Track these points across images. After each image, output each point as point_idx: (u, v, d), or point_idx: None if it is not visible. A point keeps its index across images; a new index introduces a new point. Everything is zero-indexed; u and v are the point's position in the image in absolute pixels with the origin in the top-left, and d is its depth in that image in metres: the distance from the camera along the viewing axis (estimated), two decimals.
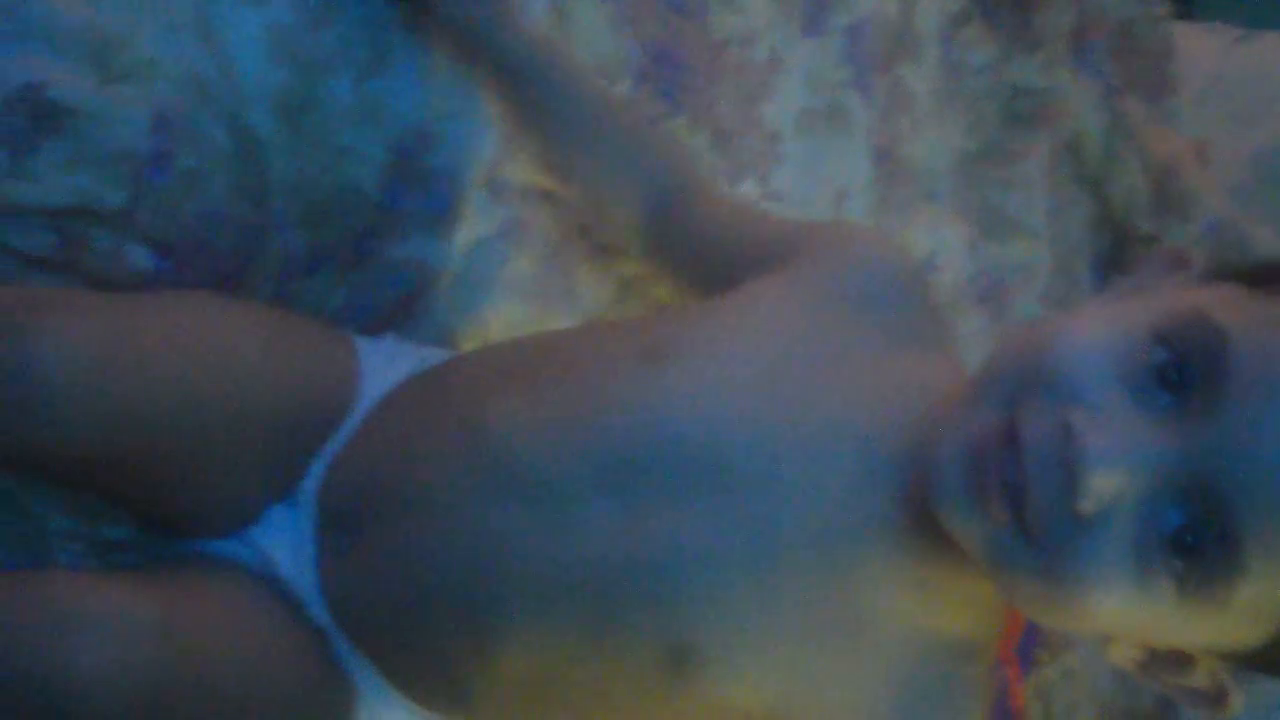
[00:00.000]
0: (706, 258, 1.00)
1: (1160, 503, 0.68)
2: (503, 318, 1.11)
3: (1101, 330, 0.72)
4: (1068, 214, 1.72)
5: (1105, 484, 0.67)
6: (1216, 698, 0.73)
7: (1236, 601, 0.67)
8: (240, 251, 0.98)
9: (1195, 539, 0.67)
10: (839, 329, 0.87)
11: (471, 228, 1.10)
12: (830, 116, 1.39)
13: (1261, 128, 1.97)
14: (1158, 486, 0.68)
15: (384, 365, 1.01)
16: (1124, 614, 0.70)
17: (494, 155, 1.09)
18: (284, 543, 0.95)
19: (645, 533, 0.80)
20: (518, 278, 1.12)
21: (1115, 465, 0.67)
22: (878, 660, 0.80)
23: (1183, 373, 0.69)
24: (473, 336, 1.10)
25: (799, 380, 0.84)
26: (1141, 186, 1.79)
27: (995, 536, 0.71)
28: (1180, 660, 0.74)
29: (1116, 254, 1.80)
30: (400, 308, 1.08)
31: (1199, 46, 1.89)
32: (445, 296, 1.09)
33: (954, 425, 0.75)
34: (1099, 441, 0.67)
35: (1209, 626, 0.70)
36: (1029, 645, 1.38)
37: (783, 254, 0.93)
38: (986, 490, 0.71)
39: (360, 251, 1.05)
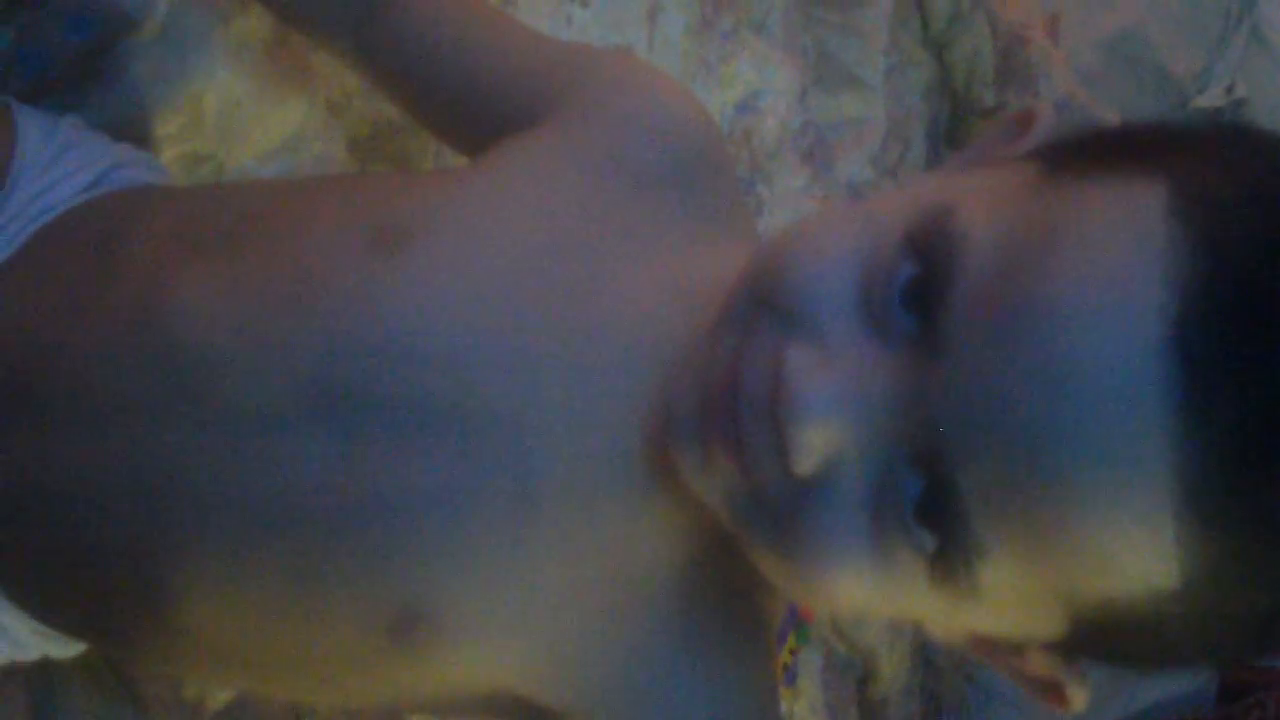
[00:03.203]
0: (438, 81, 0.77)
1: (898, 459, 0.53)
2: (216, 91, 0.89)
3: (849, 235, 0.57)
4: (907, 74, 1.57)
5: (818, 437, 0.53)
6: (1052, 689, 0.58)
7: (993, 588, 0.53)
8: None
9: (943, 507, 0.52)
10: (620, 210, 0.67)
11: None
12: None
13: (1115, 11, 1.83)
14: (892, 438, 0.53)
15: (49, 156, 0.79)
16: (875, 595, 0.56)
17: None
18: None
19: (369, 472, 0.62)
20: (239, 41, 0.89)
21: (829, 414, 0.53)
22: (647, 620, 0.65)
23: (931, 292, 0.53)
24: (177, 114, 0.88)
25: (569, 281, 0.65)
26: (987, 54, 1.64)
27: (728, 495, 0.58)
28: (1009, 642, 0.58)
29: (954, 125, 1.66)
30: (83, 63, 0.84)
31: None
32: (143, 55, 0.86)
33: (688, 358, 0.60)
34: (812, 385, 0.53)
35: (988, 613, 0.55)
36: None
37: (549, 94, 0.72)
38: (712, 441, 0.57)
39: None
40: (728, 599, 0.65)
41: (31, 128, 0.79)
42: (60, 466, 0.68)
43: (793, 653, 1.28)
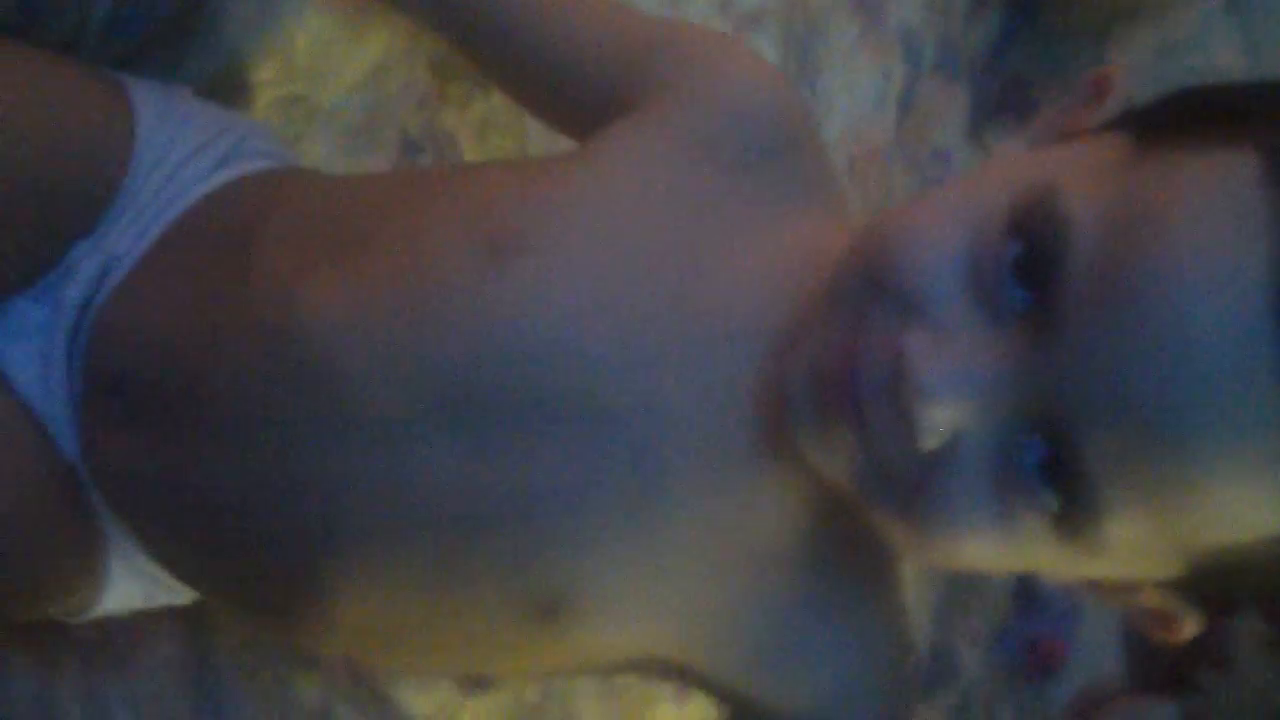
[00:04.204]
0: (535, 59, 0.79)
1: (1018, 429, 0.57)
2: (305, 33, 0.92)
3: (954, 217, 0.60)
4: None
5: (941, 415, 0.57)
6: (1166, 620, 0.63)
7: (1116, 541, 0.57)
8: None
9: (1066, 470, 0.56)
10: (717, 196, 0.70)
11: None
12: None
13: None
14: (1011, 411, 0.57)
15: (168, 135, 0.82)
16: (999, 555, 0.60)
17: None
18: (27, 352, 0.78)
19: (500, 474, 0.66)
20: None
21: (950, 395, 0.57)
22: (777, 585, 0.69)
23: (1039, 269, 0.56)
24: (270, 60, 0.91)
25: (676, 272, 0.68)
26: None
27: (849, 468, 0.61)
28: (1126, 584, 0.63)
29: None
30: (179, 21, 0.87)
31: None
32: (235, 6, 0.88)
33: (800, 339, 0.64)
34: (932, 367, 0.57)
35: (1109, 563, 0.59)
36: None
37: (644, 76, 0.74)
38: (832, 419, 0.60)
39: None
40: (851, 554, 0.70)
41: (147, 106, 0.81)
42: (201, 467, 0.72)
43: None
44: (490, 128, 1.04)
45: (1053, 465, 0.57)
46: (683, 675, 0.72)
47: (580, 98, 0.77)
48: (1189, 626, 0.62)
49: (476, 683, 0.90)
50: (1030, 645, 1.43)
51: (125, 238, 0.79)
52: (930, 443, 0.57)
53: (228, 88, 0.90)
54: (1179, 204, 0.54)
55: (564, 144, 0.81)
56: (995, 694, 1.34)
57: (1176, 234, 0.53)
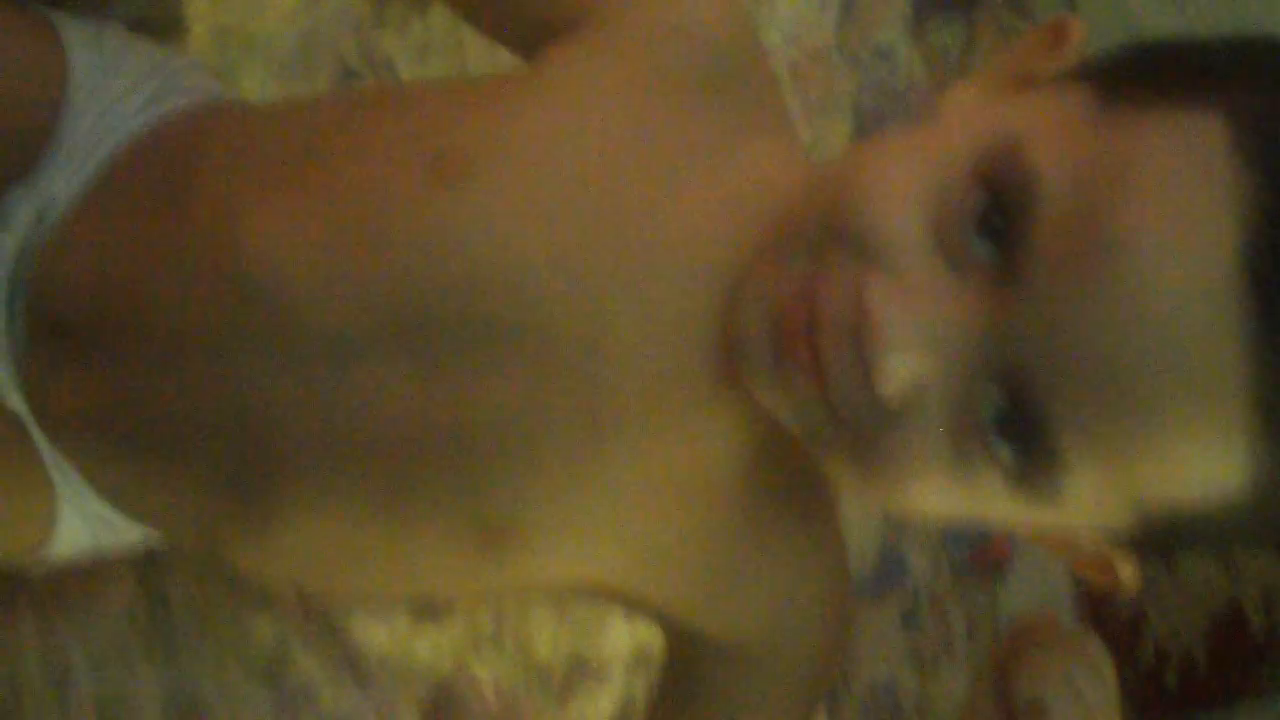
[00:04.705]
0: None
1: (977, 382, 0.57)
2: None
3: (917, 165, 0.59)
4: None
5: (904, 365, 0.56)
6: (1104, 566, 0.63)
7: (1070, 493, 0.57)
8: None
9: (1025, 423, 0.56)
10: (667, 123, 0.68)
11: None
12: None
13: None
14: (972, 364, 0.57)
15: (101, 72, 0.80)
16: (951, 503, 0.60)
17: None
18: None
19: (446, 398, 0.65)
20: None
21: (914, 345, 0.56)
22: (719, 513, 0.70)
23: (1004, 222, 0.56)
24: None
25: (627, 200, 0.66)
26: None
27: (803, 412, 0.60)
28: (1073, 532, 0.64)
29: None
30: None
31: None
32: None
33: (755, 281, 0.62)
34: (896, 316, 0.56)
35: (1059, 513, 0.59)
36: None
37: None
38: (788, 362, 0.59)
39: None
40: (793, 486, 0.70)
41: (81, 47, 0.80)
42: (147, 398, 0.71)
43: None
44: (429, 51, 1.02)
45: (1012, 417, 0.56)
46: (627, 601, 0.74)
47: (525, 13, 0.74)
48: (1128, 573, 0.63)
49: (429, 612, 0.91)
50: (976, 542, 1.46)
51: (60, 180, 0.78)
52: (890, 391, 0.57)
53: (161, 20, 0.88)
54: (1148, 166, 0.54)
55: (504, 66, 0.79)
56: (945, 595, 1.37)
57: (1145, 196, 0.53)
